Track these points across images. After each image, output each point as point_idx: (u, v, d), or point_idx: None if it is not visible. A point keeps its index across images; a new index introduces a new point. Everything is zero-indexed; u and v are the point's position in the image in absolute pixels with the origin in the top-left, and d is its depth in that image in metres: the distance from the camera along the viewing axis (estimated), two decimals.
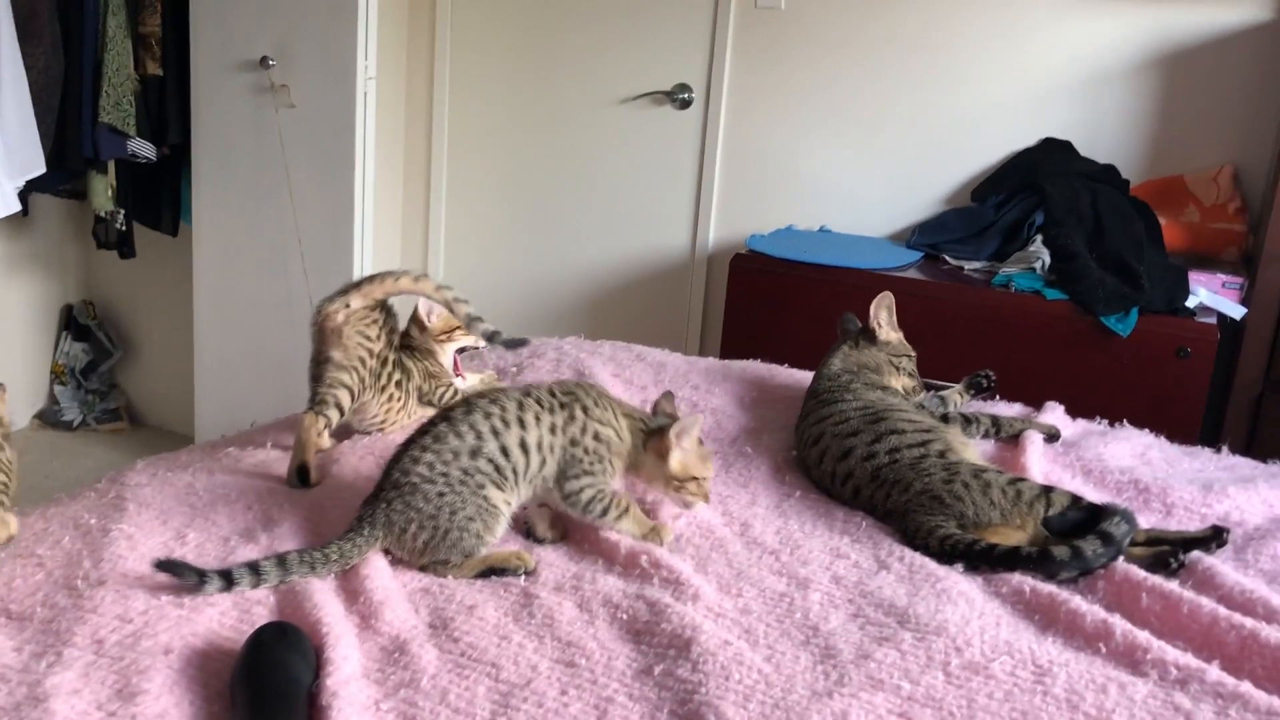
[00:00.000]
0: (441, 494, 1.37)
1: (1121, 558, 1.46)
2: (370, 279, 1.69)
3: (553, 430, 1.43)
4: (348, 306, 1.66)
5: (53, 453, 3.82)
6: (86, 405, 4.07)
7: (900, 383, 1.92)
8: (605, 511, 1.46)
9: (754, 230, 3.25)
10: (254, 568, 1.30)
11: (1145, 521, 1.62)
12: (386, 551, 1.40)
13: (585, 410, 1.46)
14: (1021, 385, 2.23)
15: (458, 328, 1.81)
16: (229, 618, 1.26)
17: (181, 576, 1.28)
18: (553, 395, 1.46)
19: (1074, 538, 1.46)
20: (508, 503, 1.41)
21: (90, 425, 4.05)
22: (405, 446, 1.42)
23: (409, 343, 1.82)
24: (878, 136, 3.25)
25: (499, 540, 1.42)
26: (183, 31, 3.43)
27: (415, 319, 1.83)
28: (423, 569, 1.39)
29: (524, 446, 1.41)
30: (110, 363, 4.09)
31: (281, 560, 1.32)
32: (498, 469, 1.39)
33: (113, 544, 1.36)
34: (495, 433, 1.40)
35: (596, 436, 1.45)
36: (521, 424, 1.41)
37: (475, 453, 1.39)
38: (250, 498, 1.53)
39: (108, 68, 3.29)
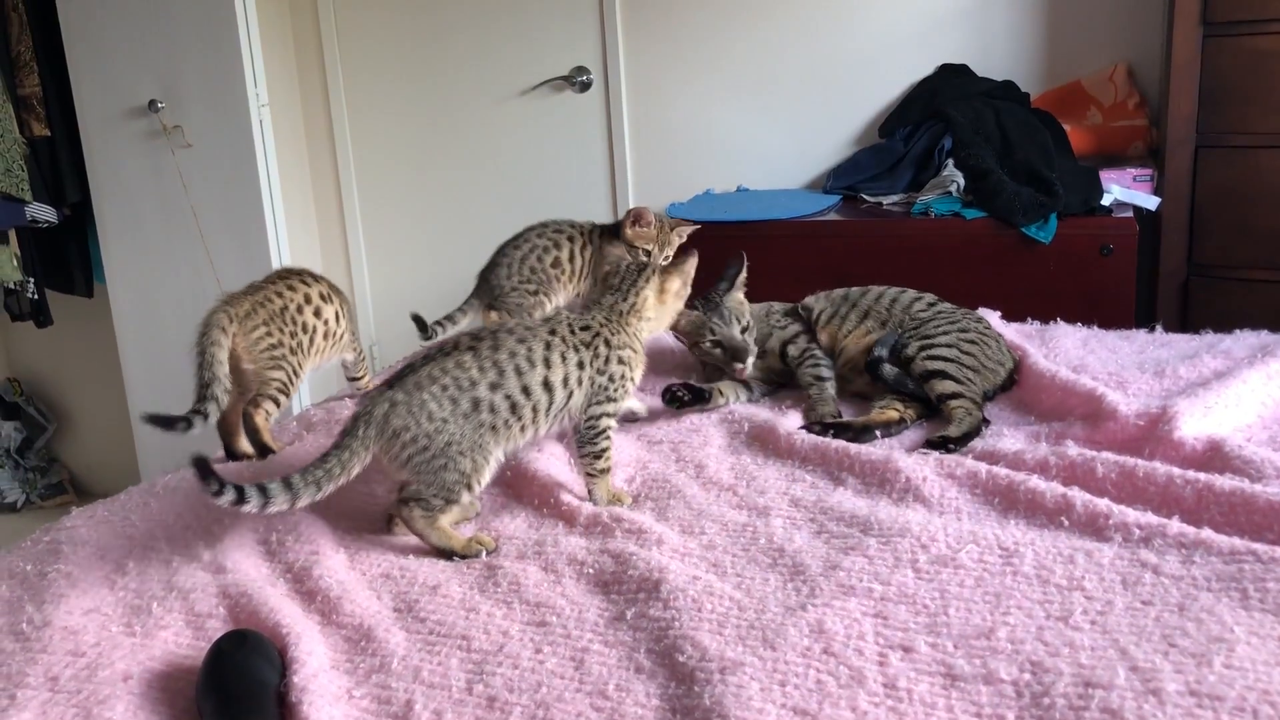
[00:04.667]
0: (445, 420, 1.36)
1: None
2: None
3: (580, 365, 1.45)
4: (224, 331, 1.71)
5: (1, 537, 3.71)
6: (28, 484, 3.96)
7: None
8: (601, 454, 1.47)
9: (673, 200, 3.24)
10: (263, 489, 1.29)
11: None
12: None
13: (607, 343, 1.47)
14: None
15: None
16: (184, 637, 1.22)
17: (205, 481, 1.27)
18: (572, 333, 1.46)
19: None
20: (500, 456, 1.41)
21: (35, 503, 3.95)
22: (427, 360, 1.40)
23: None
24: (779, 90, 3.26)
25: (476, 494, 1.41)
26: (64, 87, 3.35)
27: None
28: (400, 503, 1.38)
29: (548, 385, 1.41)
30: (45, 437, 3.99)
31: (287, 482, 1.31)
32: (513, 407, 1.39)
33: (52, 585, 1.32)
34: (519, 372, 1.40)
35: (621, 361, 1.48)
36: (547, 363, 1.42)
37: (494, 387, 1.38)
38: (189, 518, 1.49)
39: None
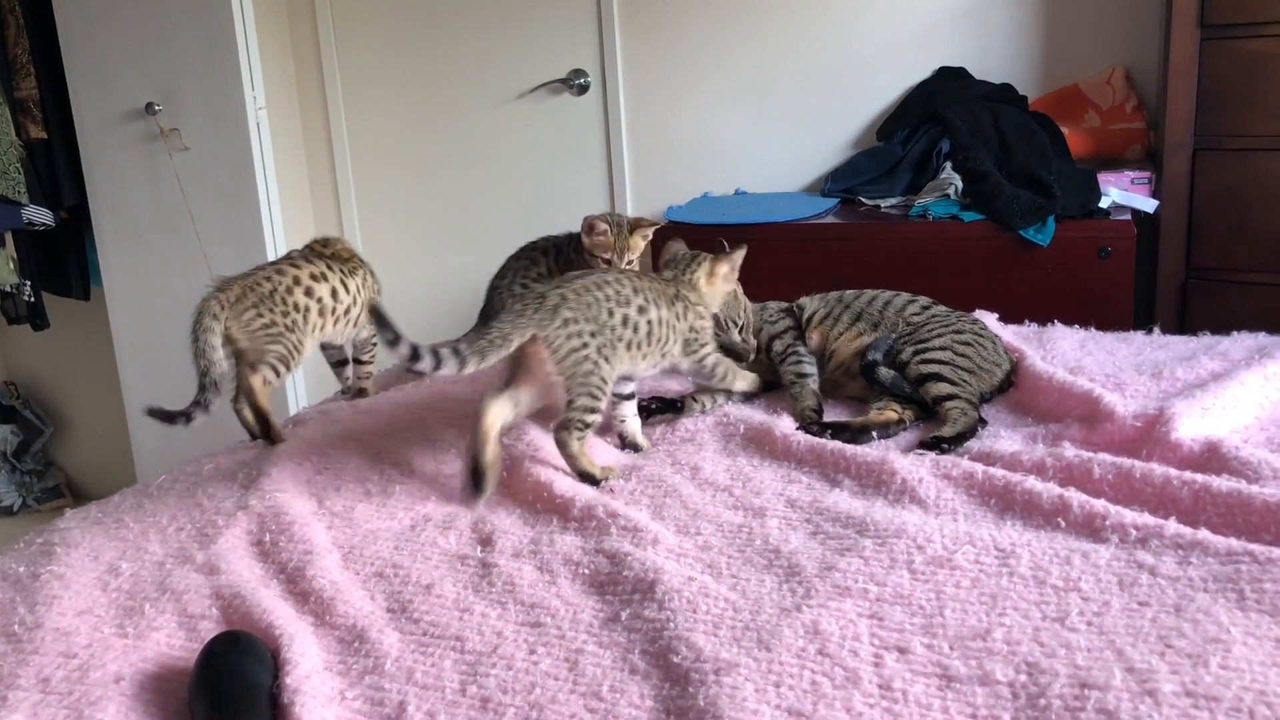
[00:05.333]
0: (603, 326, 1.52)
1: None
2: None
3: (677, 317, 1.64)
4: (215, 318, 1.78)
5: None
6: (25, 487, 3.95)
7: None
8: (724, 376, 1.72)
9: (671, 203, 3.24)
10: (435, 351, 1.40)
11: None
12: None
13: (686, 300, 1.67)
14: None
15: None
16: (176, 639, 1.22)
17: (392, 345, 1.38)
18: (668, 288, 1.67)
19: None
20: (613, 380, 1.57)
21: (32, 507, 3.94)
22: (588, 273, 1.58)
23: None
24: (777, 93, 3.26)
25: (603, 408, 1.54)
26: (61, 91, 3.35)
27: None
28: (559, 429, 1.51)
29: (664, 323, 1.61)
30: (42, 440, 3.99)
31: (455, 349, 1.42)
32: (649, 332, 1.58)
33: (44, 586, 1.31)
34: (655, 305, 1.60)
35: (699, 315, 1.69)
36: (666, 307, 1.62)
37: (641, 310, 1.57)
38: (182, 520, 1.49)
39: None
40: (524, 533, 1.39)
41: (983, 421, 1.65)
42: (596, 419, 1.53)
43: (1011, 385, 1.81)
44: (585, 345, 1.49)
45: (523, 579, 1.27)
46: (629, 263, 1.98)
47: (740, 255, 1.76)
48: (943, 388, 1.67)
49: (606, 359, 1.51)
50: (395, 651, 1.16)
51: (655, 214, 3.33)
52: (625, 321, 1.55)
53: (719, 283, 1.74)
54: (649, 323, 1.58)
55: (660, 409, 1.77)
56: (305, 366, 3.44)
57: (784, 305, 1.96)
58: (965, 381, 1.69)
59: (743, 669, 1.05)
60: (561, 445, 1.52)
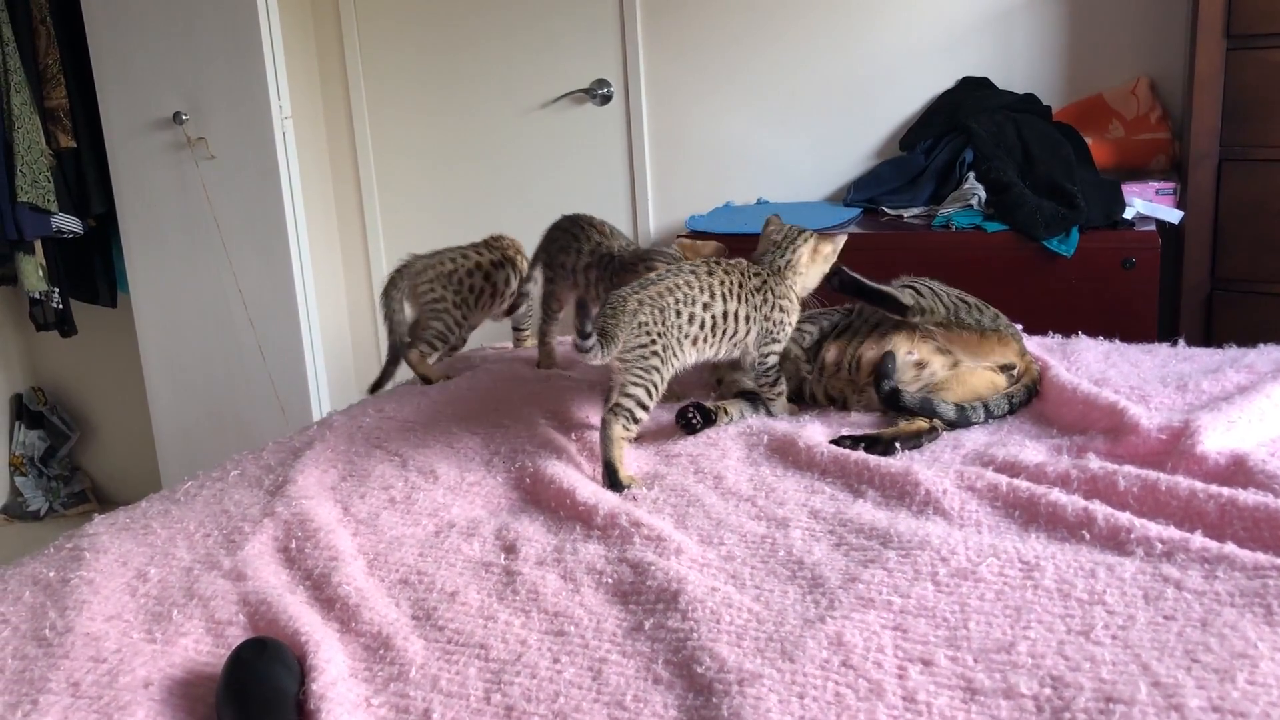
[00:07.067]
0: (670, 326, 1.62)
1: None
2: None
3: (755, 308, 1.72)
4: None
5: (24, 545, 3.71)
6: (51, 492, 3.99)
7: None
8: (775, 382, 1.78)
9: (692, 212, 3.25)
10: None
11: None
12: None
13: (772, 291, 1.74)
14: None
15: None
16: (204, 644, 1.23)
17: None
18: (750, 278, 1.73)
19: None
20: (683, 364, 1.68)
21: (58, 511, 3.98)
22: (665, 275, 1.67)
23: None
24: (800, 102, 3.27)
25: (656, 401, 1.63)
26: (90, 100, 3.40)
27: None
28: (609, 413, 1.58)
29: (736, 316, 1.70)
30: (68, 446, 4.03)
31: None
32: (713, 326, 1.67)
33: (74, 591, 1.32)
34: (724, 299, 1.68)
35: (781, 309, 1.75)
36: (739, 299, 1.70)
37: (706, 306, 1.66)
38: (209, 526, 1.50)
39: (19, 146, 3.25)
40: (547, 540, 1.40)
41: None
42: (645, 416, 1.62)
43: (1035, 396, 1.80)
44: (654, 341, 1.61)
45: (546, 587, 1.28)
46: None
47: (842, 238, 1.83)
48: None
49: (666, 360, 1.63)
50: (420, 659, 1.16)
51: (676, 223, 3.34)
52: (692, 319, 1.65)
53: (820, 262, 1.80)
54: (713, 317, 1.67)
55: (702, 424, 1.75)
56: (328, 370, 3.47)
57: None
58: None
59: (766, 680, 1.05)
60: (604, 426, 1.58)
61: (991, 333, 1.79)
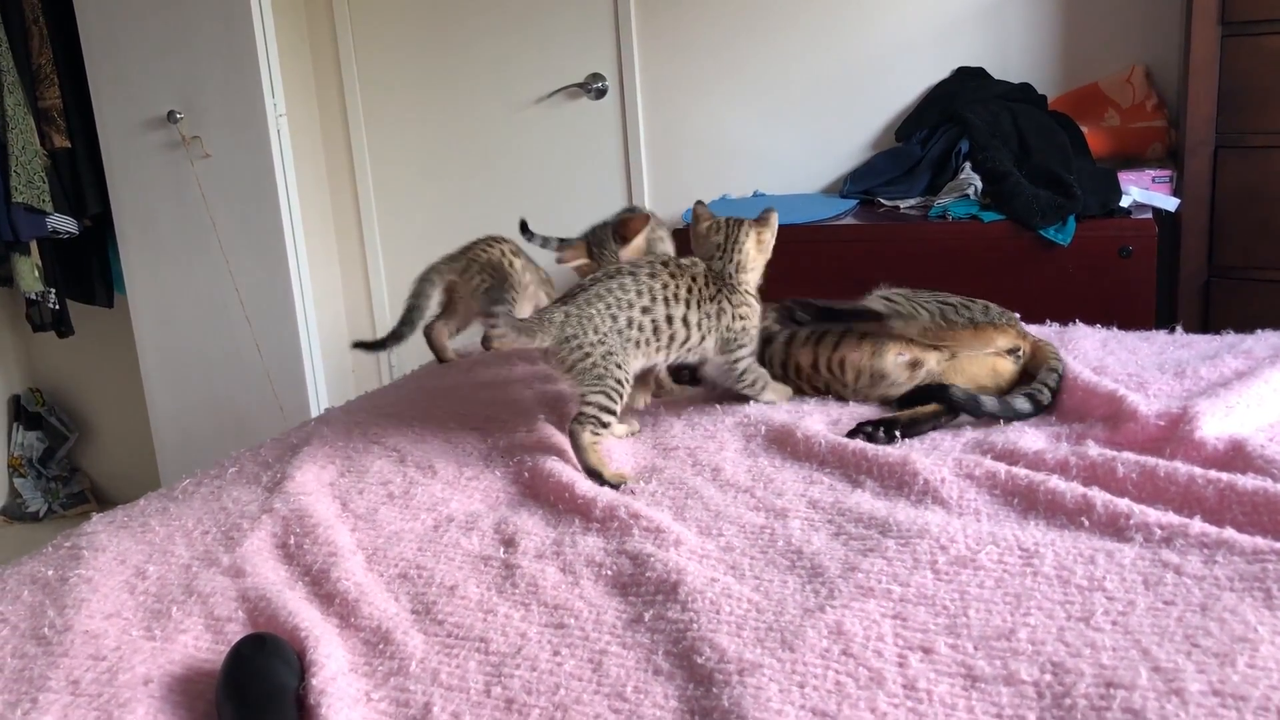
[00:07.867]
0: (605, 335, 1.58)
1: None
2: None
3: (708, 316, 1.68)
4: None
5: (24, 546, 3.70)
6: (50, 493, 3.99)
7: None
8: (752, 384, 1.75)
9: (689, 205, 3.24)
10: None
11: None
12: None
13: (728, 301, 1.70)
14: None
15: None
16: (204, 641, 1.23)
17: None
18: (706, 286, 1.69)
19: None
20: (638, 368, 1.65)
21: (57, 512, 3.98)
22: (594, 281, 1.63)
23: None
24: (795, 94, 3.26)
25: (622, 401, 1.60)
26: (84, 100, 3.39)
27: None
28: (574, 422, 1.56)
29: (685, 322, 1.65)
30: (67, 446, 4.02)
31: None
32: (655, 331, 1.63)
33: (73, 590, 1.32)
34: (666, 302, 1.63)
35: (739, 318, 1.71)
36: (687, 304, 1.66)
37: (645, 310, 1.62)
38: (207, 523, 1.50)
39: (13, 146, 3.24)
40: (546, 534, 1.39)
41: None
42: (612, 420, 1.58)
43: (1060, 377, 1.78)
44: (589, 354, 1.57)
45: (546, 580, 1.28)
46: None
47: (775, 219, 1.80)
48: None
49: (618, 363, 1.58)
50: (420, 653, 1.16)
51: (673, 216, 3.34)
52: (630, 323, 1.61)
53: (764, 250, 1.77)
54: (654, 321, 1.62)
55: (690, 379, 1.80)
56: (325, 368, 3.47)
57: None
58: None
59: (766, 670, 1.05)
60: (572, 436, 1.56)
61: (985, 324, 1.78)
